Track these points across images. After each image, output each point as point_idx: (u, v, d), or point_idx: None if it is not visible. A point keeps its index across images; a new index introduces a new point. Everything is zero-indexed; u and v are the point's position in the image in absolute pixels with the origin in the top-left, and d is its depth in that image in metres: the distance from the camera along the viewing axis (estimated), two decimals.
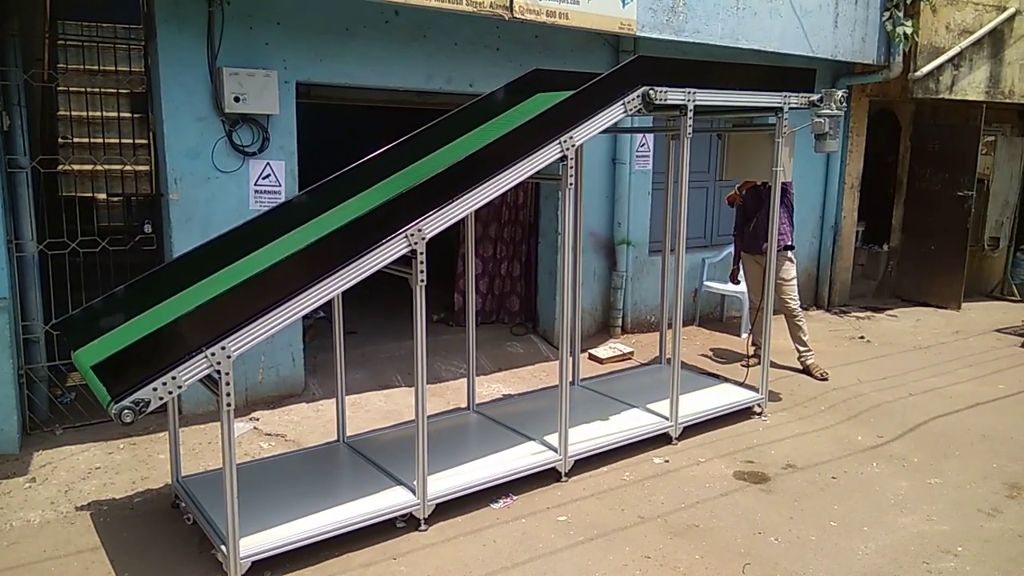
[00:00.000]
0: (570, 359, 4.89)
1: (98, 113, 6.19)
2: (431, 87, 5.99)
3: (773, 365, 6.24)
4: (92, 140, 6.18)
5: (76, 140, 6.50)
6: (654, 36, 6.36)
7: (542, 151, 3.96)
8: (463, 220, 4.24)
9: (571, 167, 4.11)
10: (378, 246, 3.48)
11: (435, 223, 3.64)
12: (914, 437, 5.27)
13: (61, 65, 6.59)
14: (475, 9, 5.35)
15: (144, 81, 5.51)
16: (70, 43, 6.62)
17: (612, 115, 4.22)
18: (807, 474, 4.68)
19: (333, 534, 3.65)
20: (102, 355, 3.27)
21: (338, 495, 3.96)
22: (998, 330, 8.14)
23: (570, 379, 4.84)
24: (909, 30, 7.81)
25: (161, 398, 3.06)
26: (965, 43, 8.20)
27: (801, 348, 6.52)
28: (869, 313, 8.82)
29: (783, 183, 6.23)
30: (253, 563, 3.41)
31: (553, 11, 5.70)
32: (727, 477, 4.62)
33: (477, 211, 4.15)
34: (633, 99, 4.25)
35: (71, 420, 5.06)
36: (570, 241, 4.41)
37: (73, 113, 6.54)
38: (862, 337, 7.83)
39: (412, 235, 3.56)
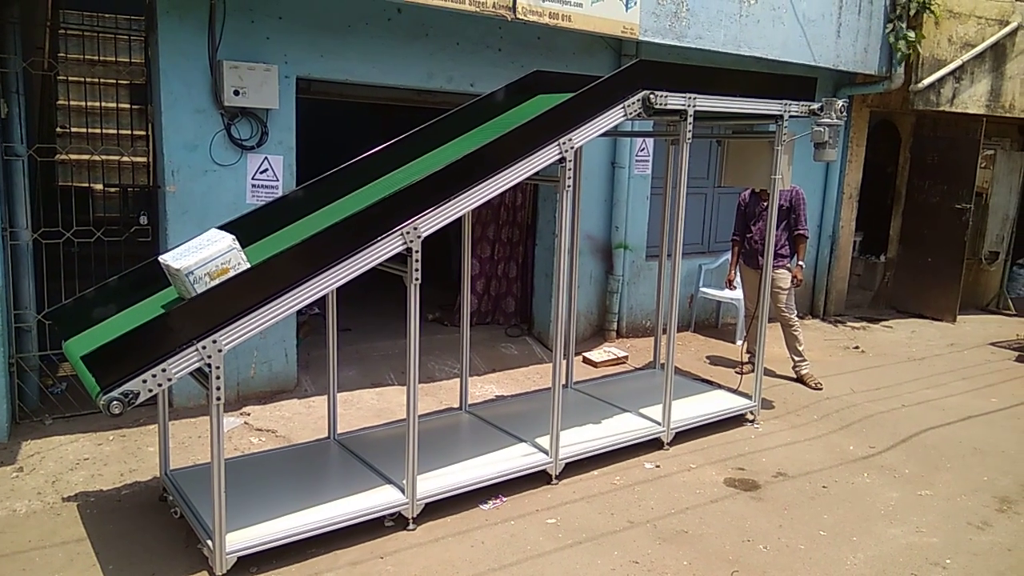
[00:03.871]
0: (564, 362, 4.88)
1: (97, 103, 6.16)
2: (432, 86, 5.98)
3: (767, 373, 6.23)
4: (91, 130, 6.15)
5: (74, 130, 6.48)
6: (656, 41, 6.36)
7: (541, 152, 3.95)
8: (460, 220, 4.22)
9: (569, 169, 4.11)
10: (373, 243, 3.47)
11: (431, 222, 3.63)
12: (906, 448, 5.27)
13: (61, 54, 6.58)
14: (478, 9, 5.34)
15: (144, 72, 5.51)
16: (71, 32, 6.61)
17: (612, 118, 4.21)
18: (798, 483, 4.67)
19: (321, 531, 3.63)
20: (92, 345, 3.24)
21: (327, 492, 3.95)
22: (993, 343, 8.15)
23: (563, 382, 4.84)
24: (912, 38, 7.82)
25: (151, 390, 3.05)
26: (967, 56, 8.22)
27: (796, 357, 6.51)
28: (864, 323, 8.82)
29: (796, 190, 6.24)
30: (239, 558, 3.39)
31: (556, 13, 5.69)
32: (718, 484, 4.61)
33: (475, 211, 4.15)
34: (633, 103, 4.24)
35: (61, 410, 5.04)
36: (567, 244, 4.39)
37: (72, 103, 6.52)
38: (857, 347, 7.84)
39: (408, 233, 3.55)
